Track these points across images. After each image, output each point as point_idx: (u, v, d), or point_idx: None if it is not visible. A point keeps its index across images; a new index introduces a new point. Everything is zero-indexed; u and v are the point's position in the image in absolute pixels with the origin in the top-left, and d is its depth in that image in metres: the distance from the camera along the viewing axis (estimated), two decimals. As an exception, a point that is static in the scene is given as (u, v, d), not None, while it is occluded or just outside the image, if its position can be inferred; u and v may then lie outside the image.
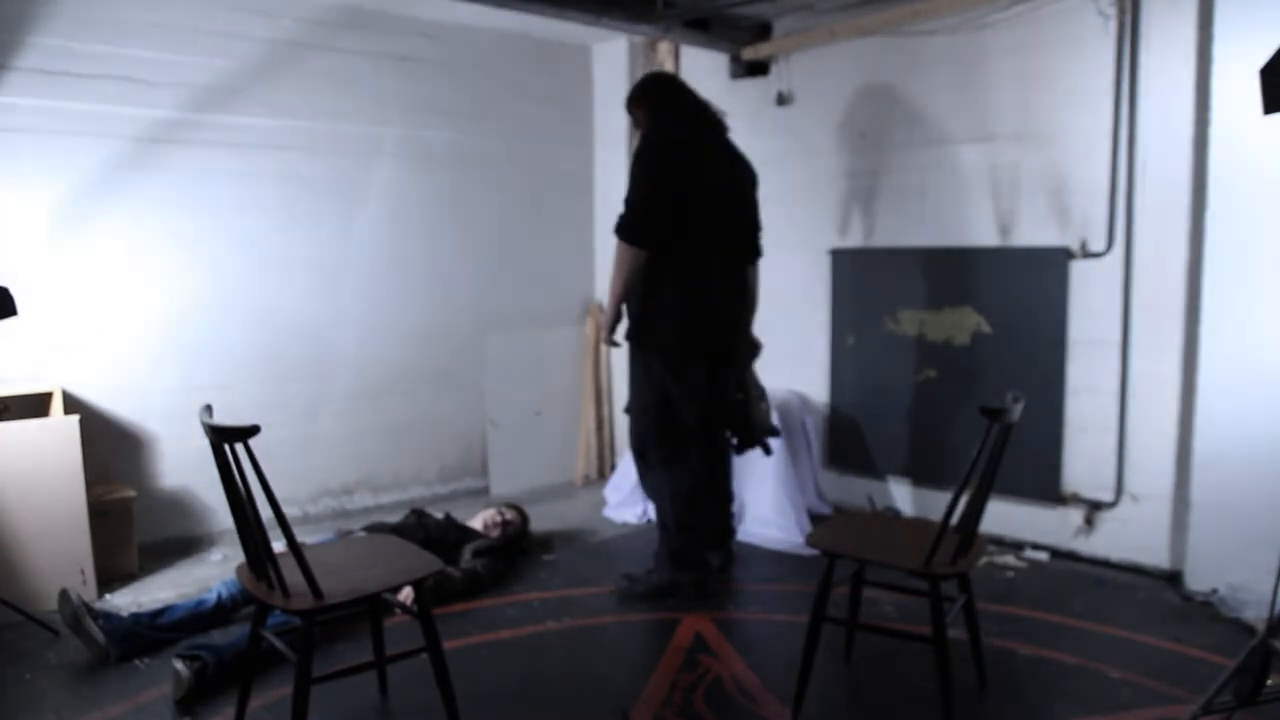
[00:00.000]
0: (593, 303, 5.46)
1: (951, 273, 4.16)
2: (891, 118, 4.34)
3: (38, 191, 3.74)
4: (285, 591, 2.24)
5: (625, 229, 3.36)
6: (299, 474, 4.45)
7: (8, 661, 2.99)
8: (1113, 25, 3.61)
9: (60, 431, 3.44)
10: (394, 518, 4.08)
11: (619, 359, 5.26)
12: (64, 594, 3.00)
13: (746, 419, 3.63)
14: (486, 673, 2.91)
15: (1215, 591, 3.37)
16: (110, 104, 3.84)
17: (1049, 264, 3.86)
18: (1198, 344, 3.44)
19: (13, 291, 3.12)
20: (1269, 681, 2.32)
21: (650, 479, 3.60)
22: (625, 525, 4.49)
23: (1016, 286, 3.97)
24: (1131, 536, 3.74)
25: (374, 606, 2.63)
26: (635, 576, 3.56)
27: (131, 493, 3.82)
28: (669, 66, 5.12)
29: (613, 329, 3.50)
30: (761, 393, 3.73)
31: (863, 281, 4.49)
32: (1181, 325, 3.54)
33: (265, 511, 2.20)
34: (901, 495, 4.45)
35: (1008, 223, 4.00)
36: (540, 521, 4.37)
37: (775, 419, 3.88)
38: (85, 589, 3.44)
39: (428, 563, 2.49)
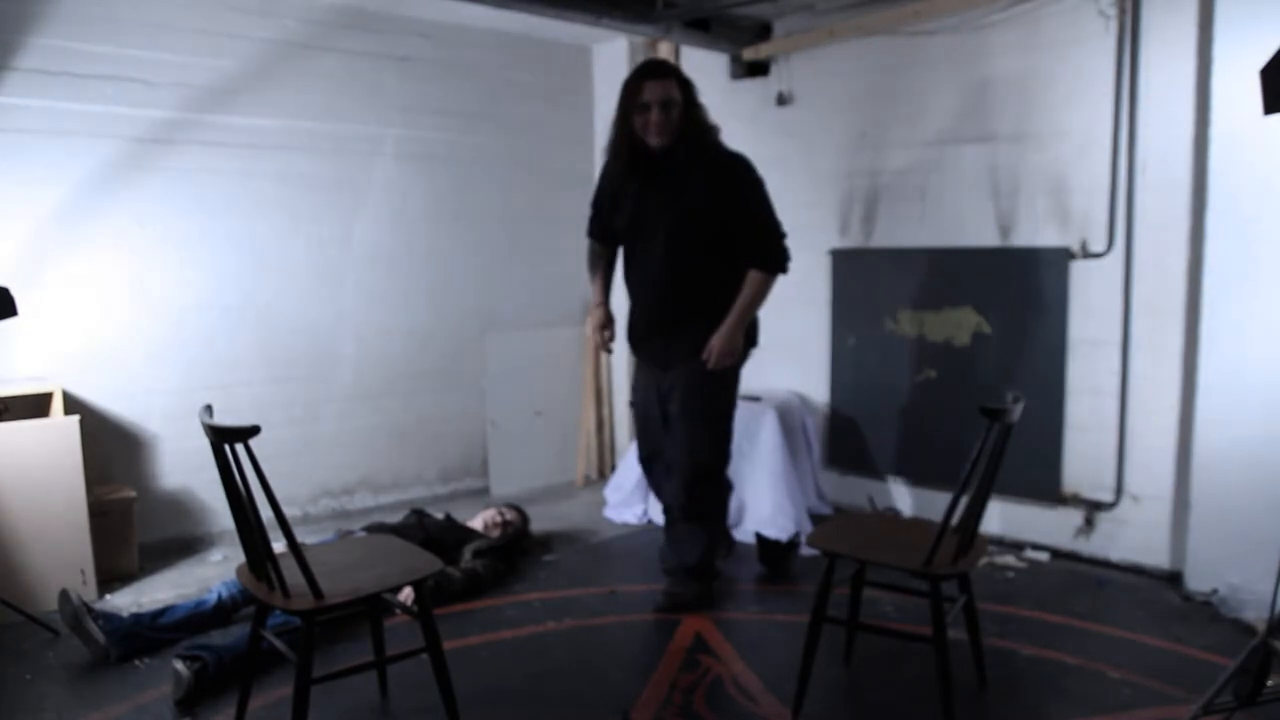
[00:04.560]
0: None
1: (951, 273, 4.16)
2: (891, 118, 4.34)
3: (38, 191, 3.74)
4: (285, 591, 2.24)
5: (781, 261, 3.34)
6: (299, 474, 4.45)
7: (8, 661, 2.99)
8: (1113, 25, 3.61)
9: (60, 431, 3.44)
10: (394, 518, 4.08)
11: (620, 360, 5.25)
12: (64, 594, 3.00)
13: None
14: (486, 673, 2.91)
15: (1215, 591, 3.37)
16: (110, 104, 3.84)
17: (1049, 264, 3.86)
18: (1198, 344, 3.44)
19: (13, 292, 3.12)
20: (1269, 681, 2.33)
21: (711, 492, 3.50)
22: (625, 525, 4.49)
23: (1016, 286, 3.97)
24: (1131, 537, 3.75)
25: (374, 606, 2.63)
26: (673, 592, 3.42)
27: (131, 493, 3.82)
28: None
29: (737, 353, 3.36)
30: None
31: (863, 281, 4.49)
32: (1181, 325, 3.54)
33: (265, 512, 2.20)
34: (901, 495, 4.45)
35: (1008, 223, 4.00)
36: (540, 521, 4.37)
37: None
38: (85, 589, 3.44)
39: (428, 563, 2.49)
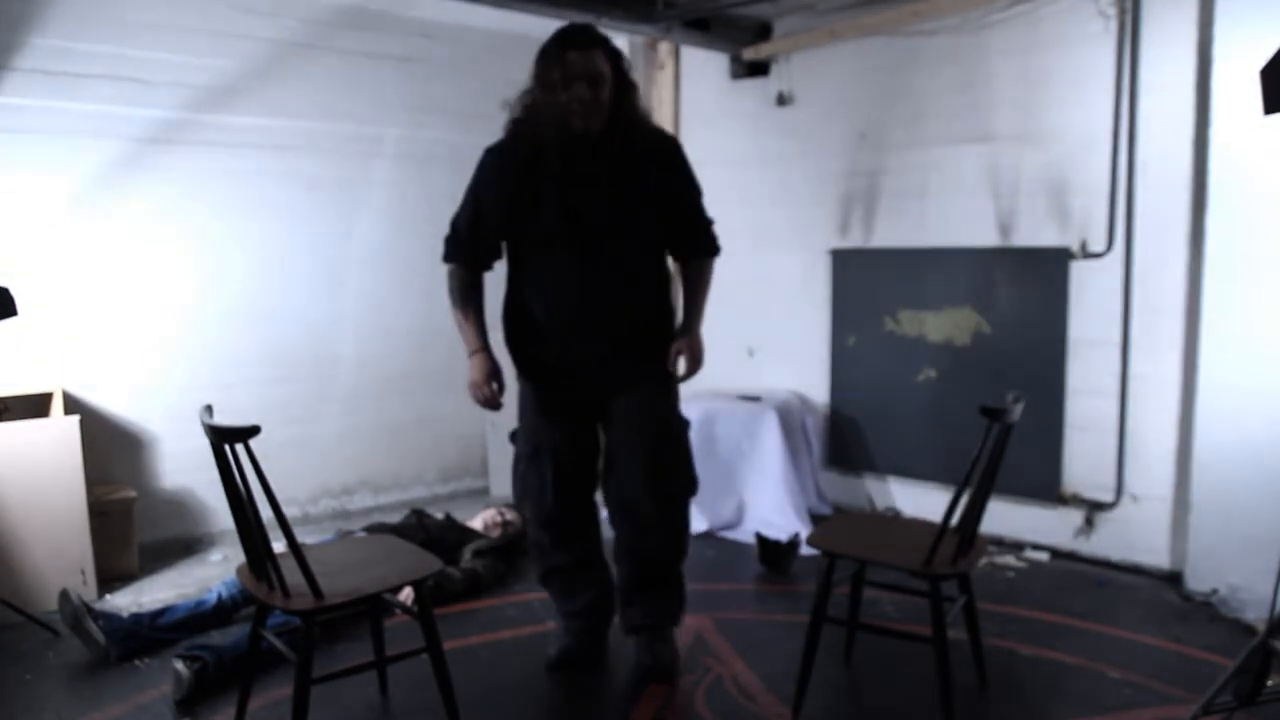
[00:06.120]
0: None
1: (951, 273, 4.16)
2: (891, 118, 4.34)
3: (38, 192, 3.74)
4: (285, 592, 2.24)
5: (718, 243, 2.90)
6: (299, 474, 4.45)
7: (8, 661, 2.98)
8: (1113, 25, 3.61)
9: (60, 431, 3.44)
10: (394, 518, 4.08)
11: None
12: (64, 594, 3.00)
13: None
14: (486, 673, 2.91)
15: (1215, 591, 3.37)
16: (111, 104, 3.84)
17: (1049, 264, 3.86)
18: (1198, 344, 3.44)
19: (13, 292, 3.12)
20: (1269, 681, 2.33)
21: (686, 524, 2.90)
22: (625, 525, 4.48)
23: (1016, 286, 3.97)
24: (1131, 537, 3.74)
25: (374, 606, 2.63)
26: (658, 657, 2.85)
27: (131, 493, 3.82)
28: (669, 67, 5.12)
29: None
30: None
31: (863, 281, 4.49)
32: (1181, 325, 3.55)
33: (265, 512, 2.20)
34: (902, 495, 4.45)
35: (1008, 223, 4.00)
36: (540, 521, 4.36)
37: None
38: (85, 589, 3.44)
39: (428, 563, 2.49)
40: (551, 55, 2.67)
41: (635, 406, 2.78)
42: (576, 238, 2.68)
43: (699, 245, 2.87)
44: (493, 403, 2.77)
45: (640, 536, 2.81)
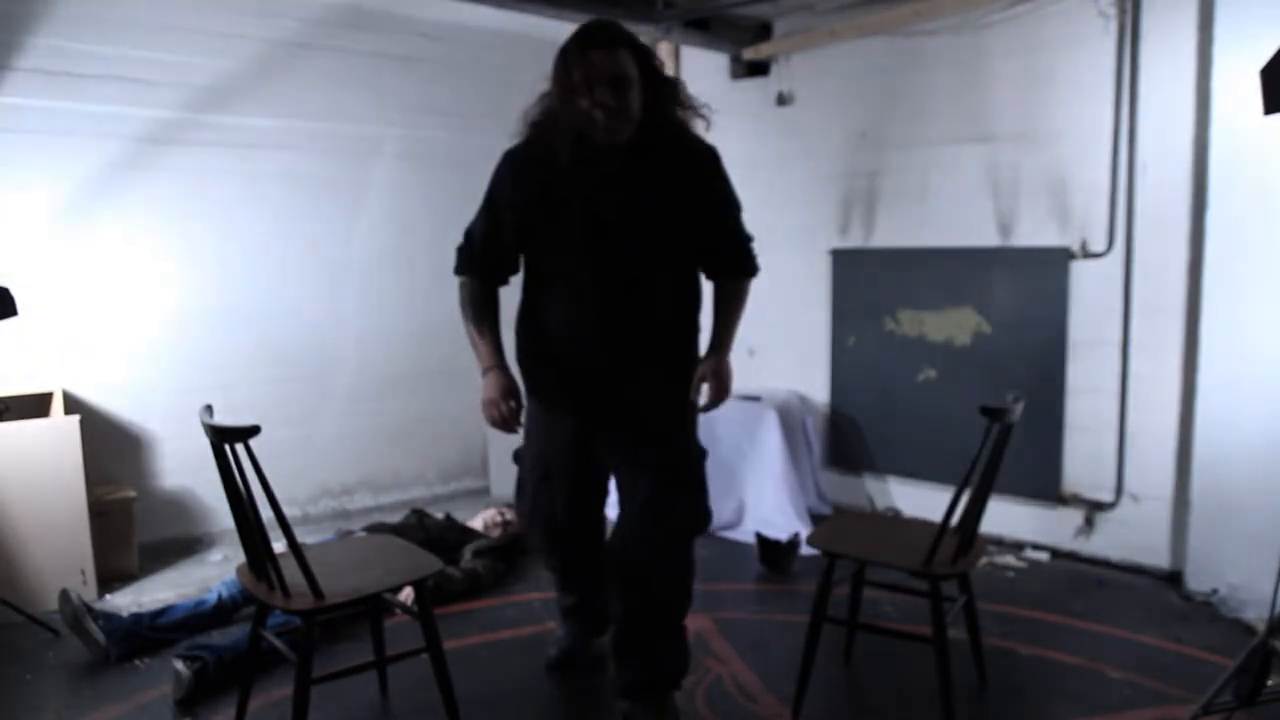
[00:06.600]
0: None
1: (951, 273, 4.16)
2: (891, 118, 4.34)
3: (39, 191, 3.74)
4: (285, 591, 2.24)
5: (757, 263, 2.67)
6: (299, 474, 4.45)
7: (8, 661, 2.99)
8: (1113, 25, 3.62)
9: (60, 431, 3.44)
10: (394, 518, 4.08)
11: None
12: (64, 594, 3.00)
13: None
14: (486, 673, 2.92)
15: (1215, 591, 3.37)
16: (111, 104, 3.84)
17: (1049, 264, 3.86)
18: (1198, 344, 3.44)
19: (13, 292, 3.12)
20: (1269, 681, 2.33)
21: (692, 564, 2.62)
22: (625, 525, 4.48)
23: (1016, 286, 3.97)
24: (1131, 536, 3.74)
25: (374, 606, 2.63)
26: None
27: (131, 493, 3.82)
28: (669, 67, 5.12)
29: None
30: None
31: (863, 281, 4.50)
32: (1181, 325, 3.55)
33: (265, 512, 2.20)
34: (902, 495, 4.45)
35: (1008, 223, 4.00)
36: (540, 521, 4.36)
37: None
38: (85, 589, 3.44)
39: (428, 563, 2.49)
40: (572, 55, 2.34)
41: (647, 430, 2.58)
42: (597, 250, 2.47)
43: (734, 265, 2.62)
44: (509, 423, 2.54)
45: (638, 572, 2.55)
